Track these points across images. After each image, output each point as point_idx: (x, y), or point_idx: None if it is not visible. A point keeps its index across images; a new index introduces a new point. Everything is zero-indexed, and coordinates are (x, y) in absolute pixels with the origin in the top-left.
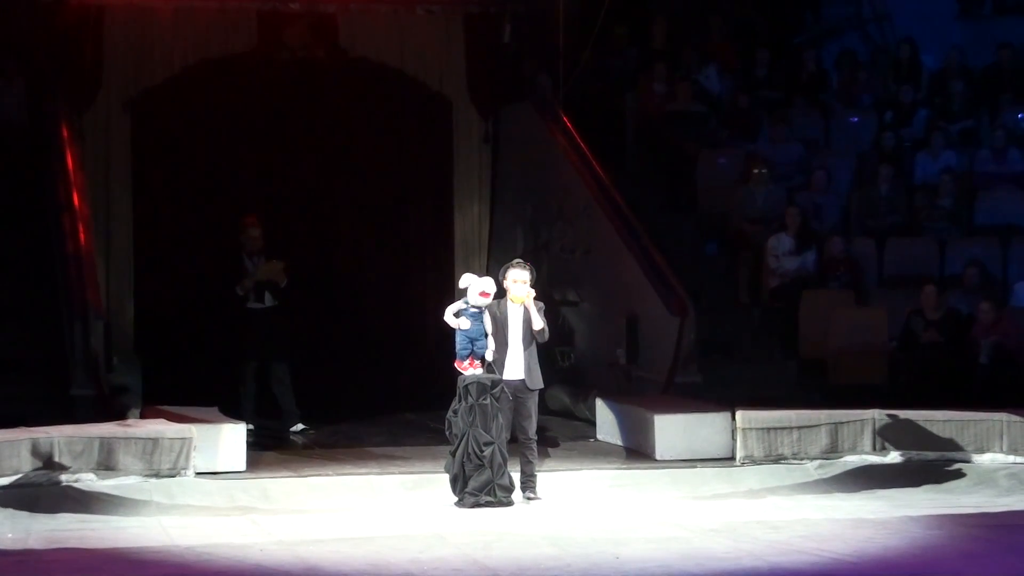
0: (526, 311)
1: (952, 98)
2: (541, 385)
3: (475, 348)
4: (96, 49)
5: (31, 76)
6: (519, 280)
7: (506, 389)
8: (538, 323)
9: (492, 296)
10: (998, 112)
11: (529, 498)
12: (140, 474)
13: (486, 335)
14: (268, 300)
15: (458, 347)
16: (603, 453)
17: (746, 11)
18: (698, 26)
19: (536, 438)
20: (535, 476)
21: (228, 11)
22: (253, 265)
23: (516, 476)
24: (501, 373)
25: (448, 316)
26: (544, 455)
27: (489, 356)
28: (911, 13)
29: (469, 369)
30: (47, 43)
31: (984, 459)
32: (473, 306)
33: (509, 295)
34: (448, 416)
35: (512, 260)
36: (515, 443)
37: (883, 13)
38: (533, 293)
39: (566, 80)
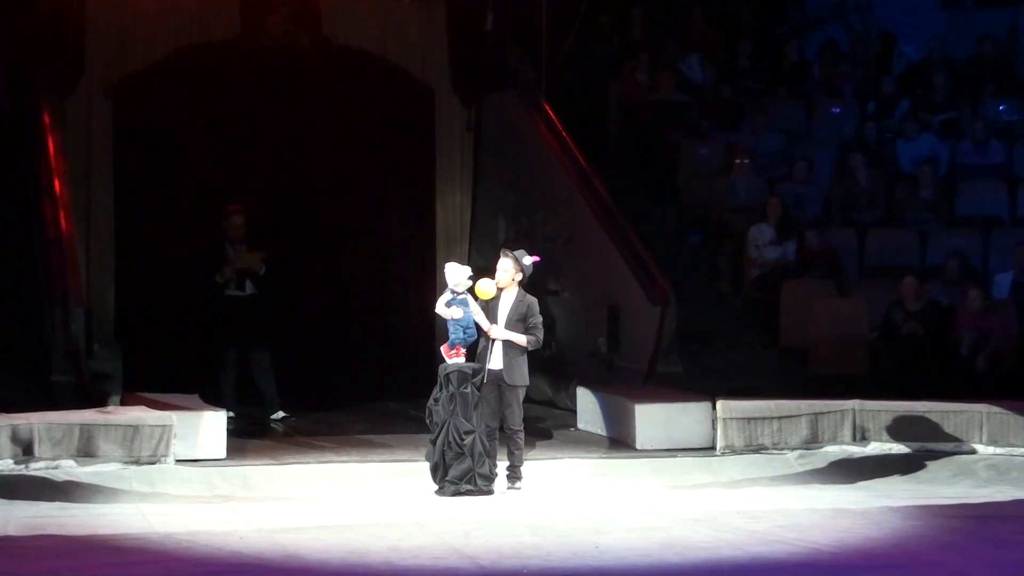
0: (518, 304)
1: (934, 89)
2: (522, 382)
3: (466, 336)
4: (78, 35)
5: (12, 61)
6: (499, 268)
7: (489, 378)
8: (518, 339)
9: (469, 279)
10: (980, 103)
11: (510, 488)
12: (120, 461)
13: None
14: (249, 288)
15: (451, 336)
16: (584, 442)
17: (729, 1)
18: (680, 16)
19: (521, 429)
20: (519, 467)
21: None
22: (235, 253)
23: (504, 466)
24: (487, 362)
25: (440, 308)
26: (525, 444)
27: (493, 334)
28: (893, 4)
29: (453, 358)
30: (29, 28)
31: (964, 450)
32: (456, 293)
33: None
34: (429, 404)
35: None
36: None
37: (865, 4)
38: (501, 284)
39: (549, 69)
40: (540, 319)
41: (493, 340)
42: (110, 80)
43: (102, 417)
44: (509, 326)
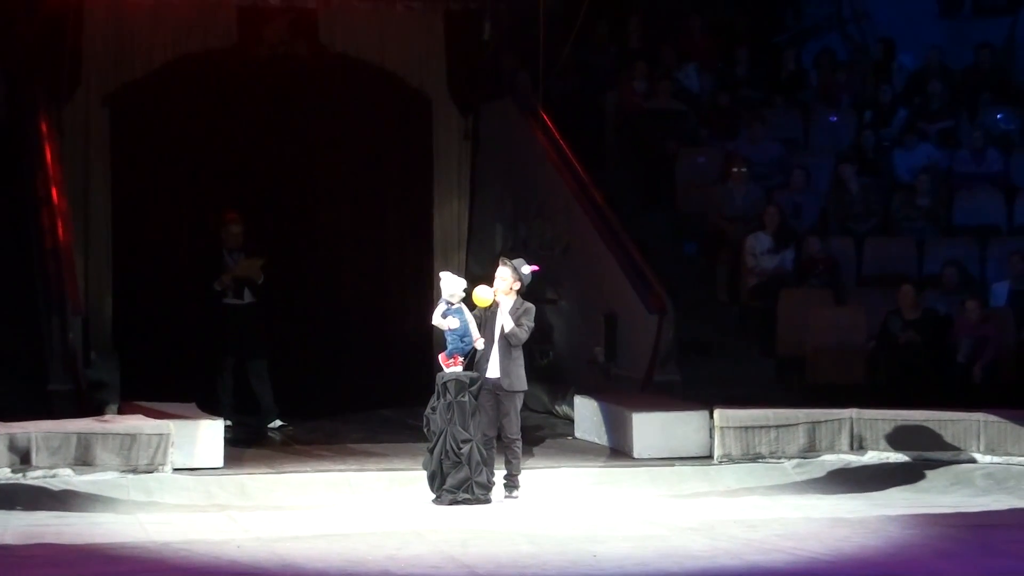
0: (515, 312)
1: (931, 98)
2: (520, 388)
3: (463, 345)
4: (76, 43)
5: (10, 70)
6: (497, 277)
7: (487, 386)
8: (507, 325)
9: (463, 291)
10: (977, 112)
11: (508, 497)
12: (117, 470)
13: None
14: (247, 296)
15: (449, 345)
16: (581, 451)
17: (726, 10)
18: (677, 24)
19: (519, 438)
20: (517, 476)
21: (208, 6)
22: (233, 261)
23: (502, 475)
24: (484, 370)
25: (436, 320)
26: (523, 453)
27: (479, 345)
28: (891, 13)
29: (451, 367)
30: (27, 37)
31: (961, 459)
32: (450, 303)
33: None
34: (426, 413)
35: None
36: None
37: (863, 13)
38: (499, 292)
39: (546, 77)
40: (532, 324)
41: (490, 349)
42: (108, 89)
43: (99, 426)
44: (505, 336)
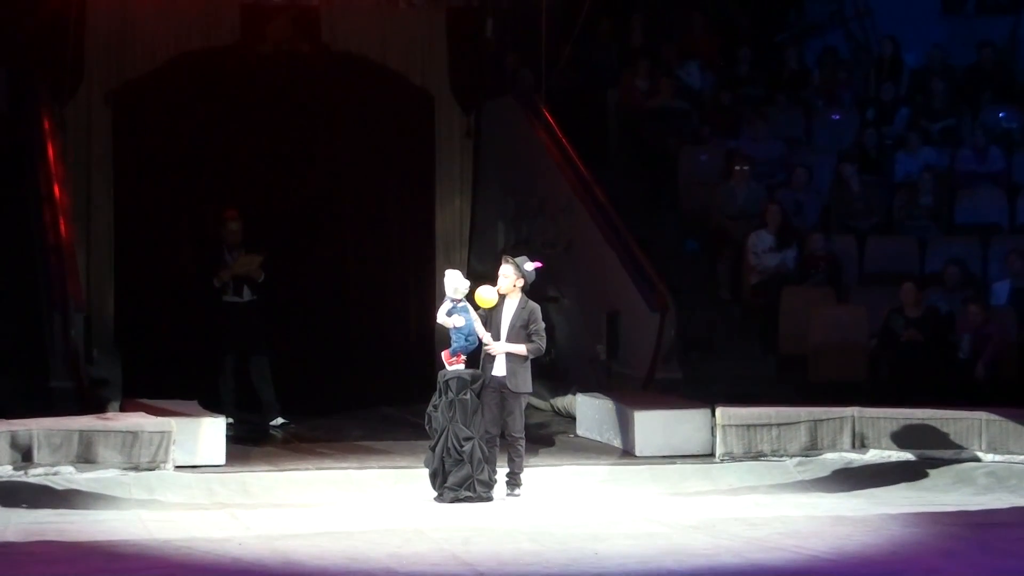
0: (520, 311)
1: (934, 96)
2: (525, 389)
3: (468, 343)
4: (79, 41)
5: (13, 67)
6: (500, 275)
7: (493, 385)
8: (518, 349)
9: (466, 289)
10: (979, 111)
11: (510, 495)
12: (119, 467)
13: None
14: (247, 294)
15: (453, 343)
16: (583, 449)
17: (729, 8)
18: (680, 22)
19: (522, 436)
20: (519, 474)
21: (211, 4)
22: (232, 258)
23: (504, 472)
24: (489, 369)
25: (441, 318)
26: (525, 451)
27: (488, 340)
28: (893, 11)
29: (454, 364)
30: (29, 34)
31: (963, 457)
32: (455, 301)
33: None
34: (428, 411)
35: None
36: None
37: (865, 11)
38: (500, 291)
39: (548, 75)
40: (542, 325)
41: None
42: (110, 86)
43: (101, 423)
44: (512, 333)
